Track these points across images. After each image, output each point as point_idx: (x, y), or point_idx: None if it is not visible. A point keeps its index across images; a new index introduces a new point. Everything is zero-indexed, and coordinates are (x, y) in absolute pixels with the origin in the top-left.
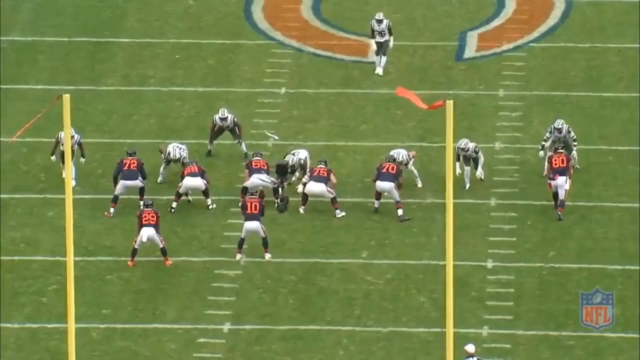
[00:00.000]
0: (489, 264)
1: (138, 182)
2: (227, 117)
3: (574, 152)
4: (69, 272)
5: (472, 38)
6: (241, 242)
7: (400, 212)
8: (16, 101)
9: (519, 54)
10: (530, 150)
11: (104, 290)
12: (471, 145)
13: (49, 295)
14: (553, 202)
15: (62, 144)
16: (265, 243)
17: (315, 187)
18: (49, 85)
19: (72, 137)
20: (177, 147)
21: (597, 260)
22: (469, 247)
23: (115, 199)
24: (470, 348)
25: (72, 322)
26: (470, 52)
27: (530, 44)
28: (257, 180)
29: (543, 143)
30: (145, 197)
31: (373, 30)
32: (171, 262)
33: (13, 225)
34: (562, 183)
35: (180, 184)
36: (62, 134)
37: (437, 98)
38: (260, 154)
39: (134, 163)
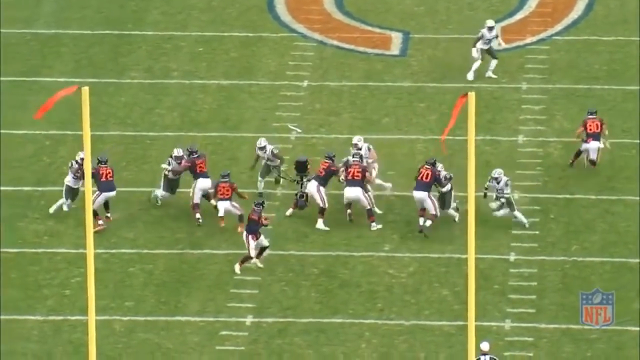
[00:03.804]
0: (512, 257)
1: (114, 193)
2: (264, 146)
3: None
4: (89, 265)
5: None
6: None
7: (428, 222)
8: (40, 94)
9: (542, 47)
10: (553, 144)
11: (127, 282)
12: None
13: (72, 287)
14: (573, 157)
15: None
16: (243, 259)
17: (351, 193)
18: (72, 77)
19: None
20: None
21: (620, 254)
22: (492, 241)
23: (96, 214)
24: (484, 346)
25: (92, 315)
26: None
27: (554, 37)
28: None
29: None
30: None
31: (480, 38)
32: (241, 230)
33: (36, 218)
34: (595, 147)
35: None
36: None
37: (459, 91)
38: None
39: (109, 173)
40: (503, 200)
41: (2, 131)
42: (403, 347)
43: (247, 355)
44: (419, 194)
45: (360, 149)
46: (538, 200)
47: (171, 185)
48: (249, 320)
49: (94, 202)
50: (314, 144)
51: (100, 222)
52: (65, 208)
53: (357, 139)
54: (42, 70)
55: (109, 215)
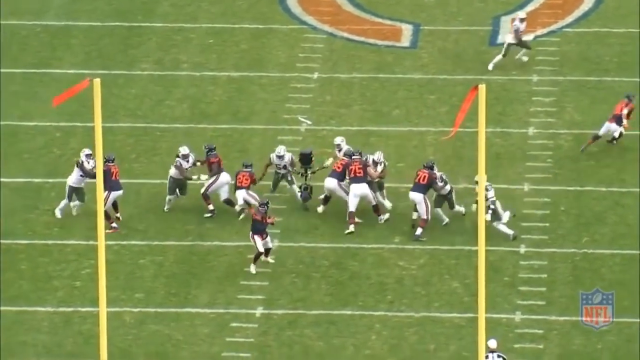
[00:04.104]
0: (522, 249)
1: (122, 192)
2: (283, 155)
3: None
4: (100, 257)
5: (506, 23)
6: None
7: (419, 230)
8: (50, 85)
9: (553, 39)
10: (564, 136)
11: (137, 274)
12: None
13: (82, 279)
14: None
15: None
16: (255, 257)
17: (357, 189)
18: (82, 69)
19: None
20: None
21: (630, 246)
22: (502, 233)
23: (108, 216)
24: (492, 344)
25: (103, 306)
26: (503, 37)
27: (564, 29)
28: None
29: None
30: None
31: (516, 30)
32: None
33: (47, 210)
34: (615, 128)
35: (209, 184)
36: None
37: (470, 83)
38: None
39: (117, 171)
40: (492, 207)
41: (12, 123)
42: (413, 339)
43: (257, 347)
44: (414, 195)
45: (341, 150)
46: (548, 193)
47: (178, 185)
48: (259, 312)
49: (105, 202)
50: (324, 136)
51: (113, 225)
52: (74, 211)
53: (339, 140)
54: (53, 62)
55: (118, 215)
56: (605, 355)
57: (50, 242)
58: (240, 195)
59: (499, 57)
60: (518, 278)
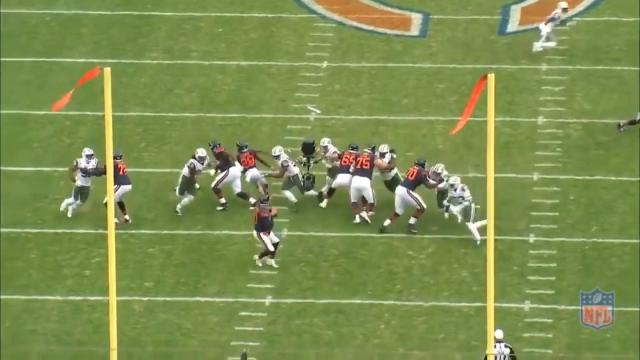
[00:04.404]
0: (531, 238)
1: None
2: (279, 155)
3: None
4: (110, 245)
5: (515, 12)
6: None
7: (412, 219)
8: (60, 74)
9: (562, 28)
10: (573, 125)
11: (147, 263)
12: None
13: (91, 268)
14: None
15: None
16: (263, 253)
17: (359, 182)
18: (92, 58)
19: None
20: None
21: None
22: (511, 222)
23: (121, 206)
24: (499, 334)
25: (113, 295)
26: (513, 26)
27: (574, 18)
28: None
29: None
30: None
31: (553, 19)
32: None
33: (56, 198)
34: None
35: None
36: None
37: (479, 72)
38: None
39: (124, 167)
40: (465, 204)
41: (22, 112)
42: (422, 328)
43: (266, 336)
44: (399, 189)
45: (327, 151)
46: (558, 182)
47: (190, 184)
48: (268, 301)
49: (115, 196)
50: (333, 125)
51: (126, 216)
52: (69, 213)
53: (326, 141)
54: (62, 51)
55: (127, 217)
56: (614, 344)
57: (59, 231)
58: (252, 174)
59: (550, 44)
60: (527, 267)
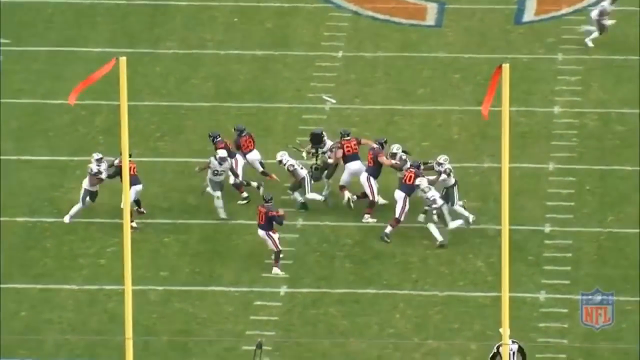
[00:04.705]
0: (547, 228)
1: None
2: (281, 160)
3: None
4: (125, 235)
5: (531, 1)
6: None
7: (388, 228)
8: (75, 63)
9: (579, 18)
10: (589, 115)
11: (162, 252)
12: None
13: (107, 257)
14: None
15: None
16: (274, 257)
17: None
18: (107, 48)
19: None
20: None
21: None
22: (527, 212)
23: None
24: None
25: (129, 284)
26: (529, 15)
27: (590, 8)
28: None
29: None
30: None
31: (602, 12)
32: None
33: (72, 188)
34: None
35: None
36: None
37: (495, 62)
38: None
39: (135, 166)
40: (437, 205)
41: (38, 101)
42: (437, 318)
43: (282, 325)
44: (397, 193)
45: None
46: (573, 172)
47: (220, 186)
48: (283, 290)
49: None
50: (348, 114)
51: (133, 224)
52: (66, 219)
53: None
54: (78, 41)
55: (143, 210)
56: (630, 334)
57: (75, 220)
58: (251, 157)
59: (596, 34)
60: (543, 257)
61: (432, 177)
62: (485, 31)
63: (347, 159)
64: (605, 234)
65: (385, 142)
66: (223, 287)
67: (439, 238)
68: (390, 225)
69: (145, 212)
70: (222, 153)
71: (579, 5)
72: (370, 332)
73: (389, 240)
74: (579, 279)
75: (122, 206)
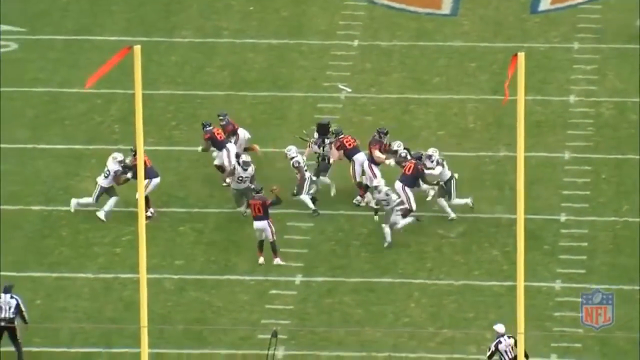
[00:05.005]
0: (563, 217)
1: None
2: (295, 157)
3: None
4: (140, 223)
5: None
6: (260, 244)
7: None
8: (91, 52)
9: (595, 7)
10: (605, 104)
11: (177, 241)
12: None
13: (122, 245)
14: None
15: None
16: (273, 248)
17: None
18: (123, 36)
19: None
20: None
21: None
22: (543, 201)
23: (148, 201)
24: (500, 328)
25: (143, 273)
26: (545, 4)
27: None
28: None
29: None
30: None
31: None
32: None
33: (87, 176)
34: None
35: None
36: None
37: (511, 50)
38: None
39: (149, 160)
40: (392, 207)
41: (53, 89)
42: (452, 307)
43: (297, 314)
44: (397, 184)
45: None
46: (589, 161)
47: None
48: (298, 279)
49: (145, 189)
50: (364, 103)
51: (149, 214)
52: (72, 208)
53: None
54: (94, 29)
55: (150, 212)
56: None
57: (91, 208)
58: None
59: None
60: (558, 246)
61: (434, 173)
62: (501, 20)
63: (351, 152)
64: (620, 223)
65: (386, 133)
66: (238, 275)
67: (388, 239)
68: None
69: (152, 215)
70: (245, 157)
71: None
72: (386, 321)
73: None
74: (595, 268)
75: (137, 196)
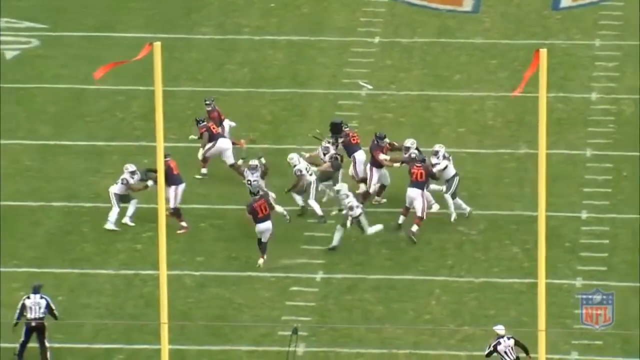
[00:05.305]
0: (583, 214)
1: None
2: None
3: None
4: (161, 220)
5: None
6: (262, 245)
7: (414, 227)
8: (111, 48)
9: (616, 4)
10: (626, 101)
11: (198, 238)
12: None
13: (143, 242)
14: None
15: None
16: (265, 249)
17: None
18: (143, 33)
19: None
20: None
21: None
22: (563, 198)
23: (179, 214)
24: (500, 329)
25: (164, 269)
26: (566, 1)
27: None
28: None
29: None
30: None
31: None
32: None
33: (109, 173)
34: None
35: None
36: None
37: (532, 48)
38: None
39: (175, 165)
40: (354, 212)
41: (75, 86)
42: (473, 304)
43: (317, 311)
44: (412, 192)
45: (328, 152)
46: (610, 158)
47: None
48: (319, 276)
49: (176, 199)
50: (384, 100)
51: (183, 223)
52: (127, 220)
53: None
54: (115, 26)
55: (184, 223)
56: None
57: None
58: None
59: None
60: (579, 244)
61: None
62: (523, 17)
63: (353, 148)
64: None
65: (384, 137)
66: (259, 272)
67: (335, 243)
68: (416, 225)
69: (185, 227)
70: (253, 162)
71: None
72: (406, 318)
73: (415, 239)
74: (615, 265)
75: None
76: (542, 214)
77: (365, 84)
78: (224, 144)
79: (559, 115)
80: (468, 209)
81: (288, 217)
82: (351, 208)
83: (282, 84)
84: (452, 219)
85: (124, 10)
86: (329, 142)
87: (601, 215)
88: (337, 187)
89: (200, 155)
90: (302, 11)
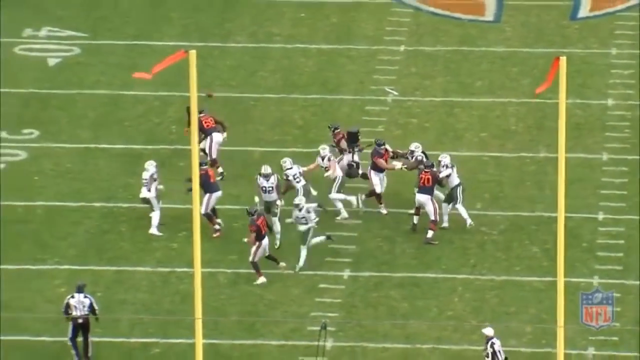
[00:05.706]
0: (600, 216)
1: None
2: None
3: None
4: (195, 220)
5: None
6: (269, 257)
7: (430, 233)
8: (150, 56)
9: (632, 14)
10: None
11: (231, 237)
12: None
13: (179, 241)
14: None
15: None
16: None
17: (421, 198)
18: (180, 41)
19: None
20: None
21: None
22: (581, 200)
23: (210, 218)
24: (489, 331)
25: (198, 267)
26: (584, 11)
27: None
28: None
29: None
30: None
31: None
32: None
33: None
34: None
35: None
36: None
37: (551, 56)
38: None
39: (213, 173)
40: (309, 225)
41: (114, 92)
42: (494, 301)
43: (345, 307)
44: (421, 197)
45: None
46: (626, 162)
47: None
48: (346, 274)
49: (206, 205)
50: (409, 106)
51: (217, 227)
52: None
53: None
54: (153, 35)
55: (219, 221)
56: None
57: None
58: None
59: None
60: (596, 244)
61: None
62: (542, 27)
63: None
64: None
65: (383, 144)
66: (289, 270)
67: (301, 263)
68: (431, 230)
69: (221, 227)
70: (265, 170)
71: (632, 2)
72: (430, 315)
73: (435, 243)
74: (631, 264)
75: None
76: (561, 215)
77: (391, 91)
78: (217, 137)
79: (577, 120)
80: (469, 221)
81: (278, 242)
82: (305, 221)
83: (312, 90)
84: (468, 225)
85: (161, 19)
86: (346, 150)
87: (617, 216)
88: (296, 201)
89: (205, 147)
90: (331, 21)
